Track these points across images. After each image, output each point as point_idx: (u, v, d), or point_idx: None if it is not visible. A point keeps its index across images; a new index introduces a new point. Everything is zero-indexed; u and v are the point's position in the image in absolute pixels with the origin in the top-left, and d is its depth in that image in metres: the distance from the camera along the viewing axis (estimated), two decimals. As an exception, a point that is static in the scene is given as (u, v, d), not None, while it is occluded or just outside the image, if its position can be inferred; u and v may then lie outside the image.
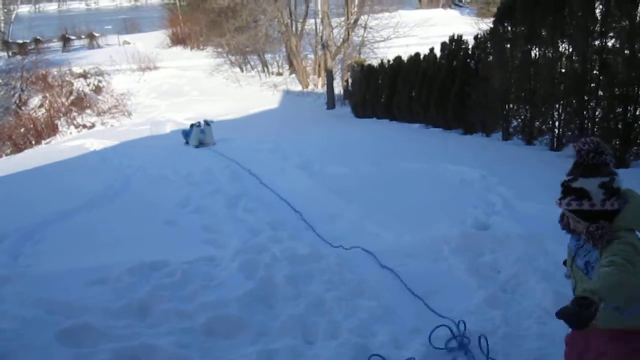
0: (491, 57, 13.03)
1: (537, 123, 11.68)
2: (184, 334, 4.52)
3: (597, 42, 9.77)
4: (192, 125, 15.97)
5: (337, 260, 5.75)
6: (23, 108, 28.34)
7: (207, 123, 15.78)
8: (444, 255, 5.88)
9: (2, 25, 49.82)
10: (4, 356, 4.16)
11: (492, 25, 12.90)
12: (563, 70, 10.75)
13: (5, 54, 41.97)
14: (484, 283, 5.11)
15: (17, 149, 23.58)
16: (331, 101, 23.91)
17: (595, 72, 9.89)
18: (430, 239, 6.29)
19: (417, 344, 4.18)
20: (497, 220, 6.78)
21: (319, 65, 28.92)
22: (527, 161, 10.21)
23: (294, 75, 31.07)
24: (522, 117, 12.16)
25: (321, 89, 27.40)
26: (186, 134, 15.99)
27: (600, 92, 9.86)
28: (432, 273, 5.55)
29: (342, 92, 24.61)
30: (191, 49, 43.79)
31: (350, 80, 22.74)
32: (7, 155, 22.41)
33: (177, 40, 46.07)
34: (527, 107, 11.86)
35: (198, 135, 15.47)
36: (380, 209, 7.69)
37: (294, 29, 30.25)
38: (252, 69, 34.31)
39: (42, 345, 4.29)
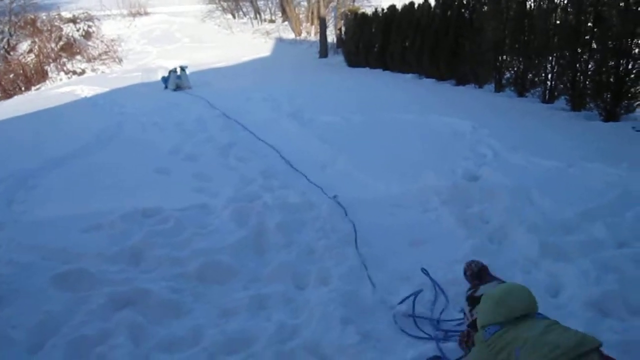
0: (486, 8, 12.94)
1: (530, 75, 11.69)
2: (177, 279, 4.61)
3: (592, -6, 9.73)
4: (170, 72, 16.86)
5: (328, 210, 5.82)
6: (12, 53, 27.95)
7: (182, 68, 16.67)
8: (434, 205, 5.96)
9: (-11, -33, 48.76)
10: (0, 299, 4.25)
11: (487, -25, 12.77)
12: (557, 22, 10.70)
13: (-8, -3, 41.18)
14: (472, 233, 5.20)
15: (6, 95, 23.38)
16: (324, 50, 23.73)
17: (589, 24, 9.86)
18: (420, 189, 6.37)
19: (406, 291, 4.29)
20: (486, 171, 6.86)
21: (312, 13, 28.58)
22: (519, 113, 10.25)
23: (286, 22, 30.73)
24: (515, 69, 12.15)
25: (314, 37, 27.14)
26: (165, 79, 16.91)
27: (594, 45, 9.85)
28: (422, 223, 5.64)
29: (335, 40, 24.42)
30: (182, -6, 43.09)
31: (343, 29, 22.53)
32: (-4, 101, 22.24)
33: (168, -16, 45.30)
34: (520, 59, 11.85)
35: (175, 80, 16.46)
36: (371, 159, 7.74)
37: (287, -25, 29.80)
38: (245, 15, 33.84)
39: (37, 289, 4.38)
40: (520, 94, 11.84)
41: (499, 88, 12.58)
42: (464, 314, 3.35)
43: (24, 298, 4.26)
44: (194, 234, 5.39)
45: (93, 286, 4.45)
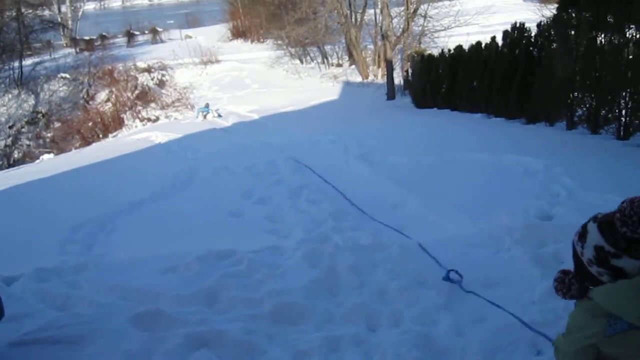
0: (555, 45, 12.79)
1: (603, 112, 11.42)
2: (251, 320, 4.68)
3: (665, 28, 9.53)
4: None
5: (399, 250, 5.80)
6: (91, 103, 29.38)
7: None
8: (506, 245, 5.86)
9: (70, 22, 51.35)
10: (82, 339, 4.41)
11: (555, 12, 12.66)
12: (630, 57, 10.49)
13: (73, 50, 43.30)
14: (547, 273, 5.06)
15: (86, 142, 24.43)
16: (391, 92, 23.81)
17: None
18: (492, 229, 6.28)
19: (479, 332, 4.23)
20: (560, 210, 6.72)
21: (379, 56, 28.79)
22: (592, 151, 10.01)
23: (353, 66, 31.05)
24: (587, 105, 11.90)
25: (381, 79, 27.29)
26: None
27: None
28: (495, 263, 5.55)
29: (402, 82, 24.47)
30: (251, 41, 44.22)
31: (410, 71, 22.59)
32: (76, 148, 23.24)
33: (238, 33, 46.59)
34: (593, 96, 11.59)
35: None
36: (442, 199, 7.69)
37: (353, 19, 30.21)
38: (312, 60, 34.41)
39: (117, 329, 4.52)
40: (594, 131, 11.58)
41: (571, 125, 12.34)
42: (581, 242, 2.55)
43: (105, 337, 4.40)
44: (267, 276, 5.47)
45: (170, 326, 4.56)
